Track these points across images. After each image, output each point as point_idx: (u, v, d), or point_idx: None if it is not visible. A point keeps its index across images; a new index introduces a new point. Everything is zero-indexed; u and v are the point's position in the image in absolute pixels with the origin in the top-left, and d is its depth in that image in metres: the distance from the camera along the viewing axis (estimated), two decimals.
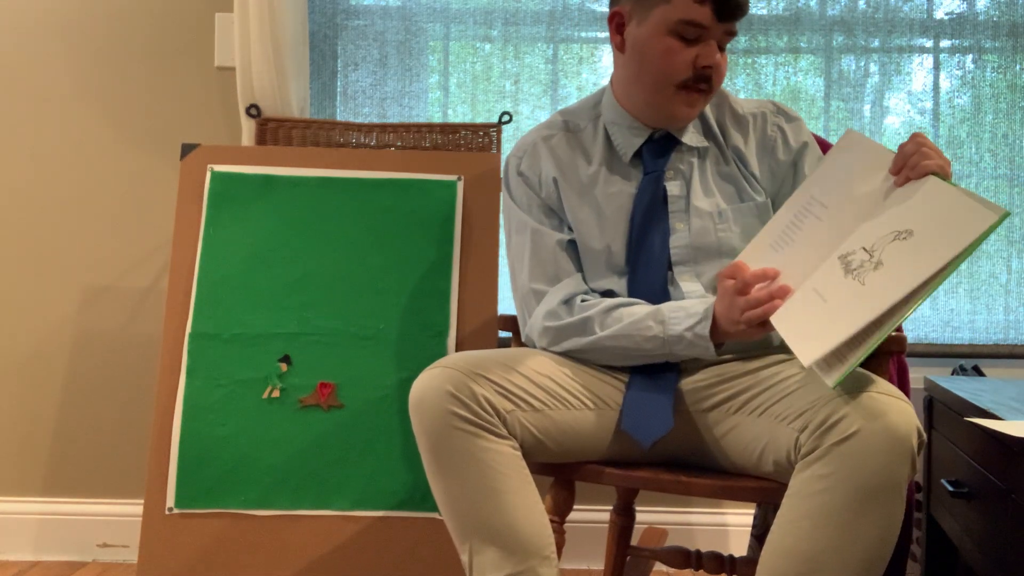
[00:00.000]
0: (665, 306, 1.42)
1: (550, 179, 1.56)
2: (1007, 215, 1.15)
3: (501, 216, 1.93)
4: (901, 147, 1.32)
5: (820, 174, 1.43)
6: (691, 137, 1.55)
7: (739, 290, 1.34)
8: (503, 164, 1.65)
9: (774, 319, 1.29)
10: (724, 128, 1.57)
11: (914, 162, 1.28)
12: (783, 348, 1.46)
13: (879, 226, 1.26)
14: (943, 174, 1.27)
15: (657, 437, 1.39)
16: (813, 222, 1.36)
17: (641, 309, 1.43)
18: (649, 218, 1.50)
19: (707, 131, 1.57)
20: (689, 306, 1.40)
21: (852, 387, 1.22)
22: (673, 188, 1.52)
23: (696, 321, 1.38)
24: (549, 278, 1.52)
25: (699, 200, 1.51)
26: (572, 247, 1.54)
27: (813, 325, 1.22)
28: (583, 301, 1.49)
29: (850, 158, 1.40)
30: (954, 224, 1.18)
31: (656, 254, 1.49)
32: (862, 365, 1.29)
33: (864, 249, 1.25)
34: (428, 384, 1.33)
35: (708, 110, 1.58)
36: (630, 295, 1.49)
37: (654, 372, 1.45)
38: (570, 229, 1.55)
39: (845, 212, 1.33)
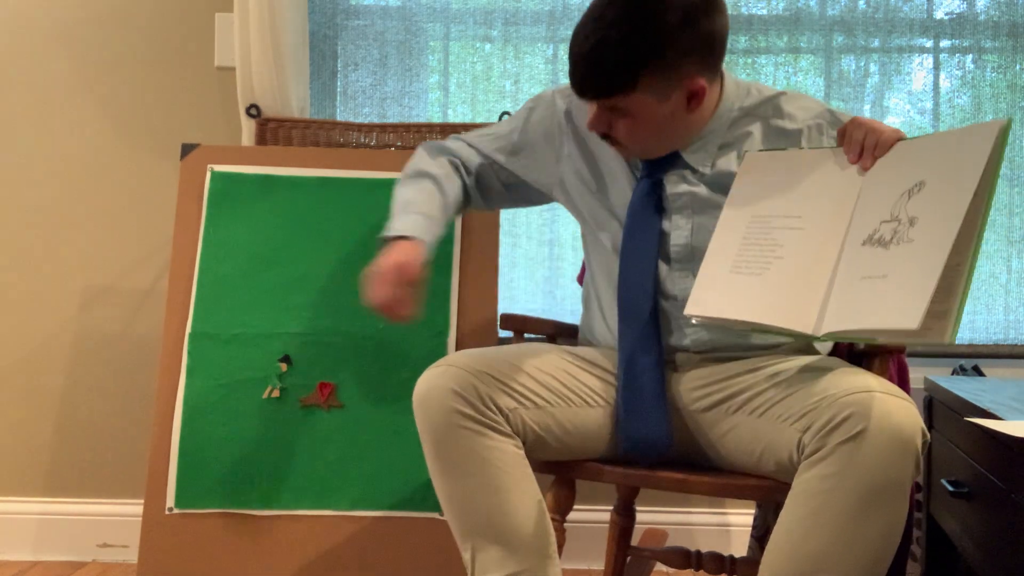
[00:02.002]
0: (401, 208, 1.50)
1: (569, 132, 1.56)
2: (1011, 121, 1.15)
3: (501, 216, 1.93)
4: (847, 136, 1.32)
5: (753, 195, 1.39)
6: (697, 160, 1.47)
7: (389, 279, 1.38)
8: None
9: (837, 326, 1.22)
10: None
11: (872, 141, 1.29)
12: (772, 349, 1.46)
13: (883, 200, 1.25)
14: (904, 137, 1.28)
15: (658, 455, 1.39)
16: (794, 234, 1.33)
17: (415, 195, 1.51)
18: (645, 212, 1.47)
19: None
20: (405, 220, 1.47)
21: (855, 387, 1.22)
22: (676, 188, 1.49)
23: (390, 230, 1.46)
24: (479, 136, 1.62)
25: (703, 196, 1.48)
26: (497, 167, 1.60)
27: (891, 299, 1.16)
28: (443, 159, 1.59)
29: (783, 169, 1.38)
30: (963, 150, 1.17)
31: (648, 247, 1.46)
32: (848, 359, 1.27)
33: (885, 222, 1.23)
34: (432, 382, 1.33)
35: (755, 128, 1.47)
36: (621, 283, 1.47)
37: (643, 383, 1.42)
38: (521, 183, 1.61)
39: (824, 213, 1.31)
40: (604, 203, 1.54)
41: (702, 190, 1.46)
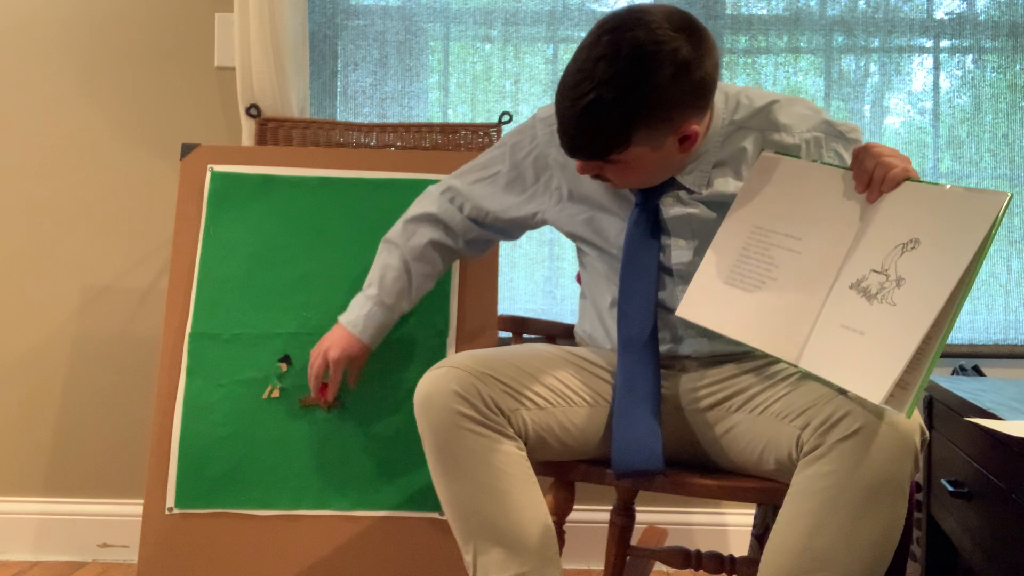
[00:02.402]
0: (369, 282, 1.63)
1: (556, 167, 1.54)
2: (1012, 197, 1.15)
3: None
4: (858, 162, 1.29)
5: (759, 202, 1.39)
6: (693, 181, 1.45)
7: (337, 369, 1.63)
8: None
9: (812, 367, 1.25)
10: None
11: (880, 175, 1.26)
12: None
13: (878, 245, 1.24)
14: (914, 176, 1.26)
15: (647, 475, 1.38)
16: (790, 256, 1.33)
17: (385, 274, 1.61)
18: (643, 240, 1.46)
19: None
20: (360, 310, 1.62)
21: None
22: (671, 211, 1.46)
23: (348, 314, 1.62)
24: (460, 174, 1.64)
25: (701, 217, 1.46)
26: (492, 218, 1.61)
27: (863, 361, 1.19)
28: (429, 235, 1.63)
29: (794, 180, 1.38)
30: (961, 219, 1.17)
31: (647, 276, 1.45)
32: None
33: (875, 271, 1.23)
34: (434, 384, 1.33)
35: (748, 143, 1.45)
36: (620, 313, 1.46)
37: (638, 415, 1.40)
38: (511, 223, 1.61)
39: (823, 241, 1.31)
40: (599, 232, 1.52)
41: (698, 210, 1.44)
